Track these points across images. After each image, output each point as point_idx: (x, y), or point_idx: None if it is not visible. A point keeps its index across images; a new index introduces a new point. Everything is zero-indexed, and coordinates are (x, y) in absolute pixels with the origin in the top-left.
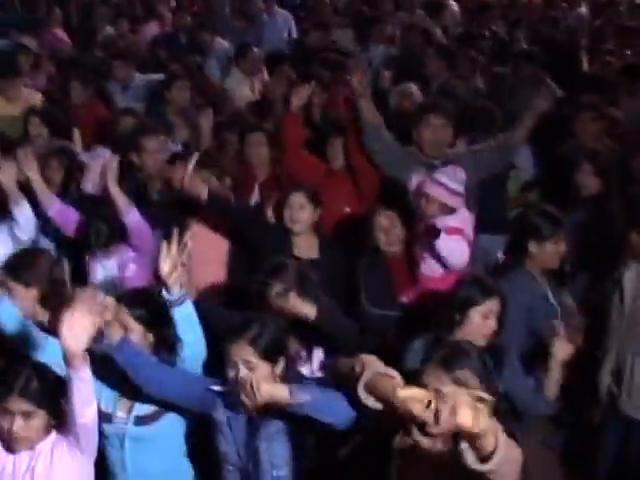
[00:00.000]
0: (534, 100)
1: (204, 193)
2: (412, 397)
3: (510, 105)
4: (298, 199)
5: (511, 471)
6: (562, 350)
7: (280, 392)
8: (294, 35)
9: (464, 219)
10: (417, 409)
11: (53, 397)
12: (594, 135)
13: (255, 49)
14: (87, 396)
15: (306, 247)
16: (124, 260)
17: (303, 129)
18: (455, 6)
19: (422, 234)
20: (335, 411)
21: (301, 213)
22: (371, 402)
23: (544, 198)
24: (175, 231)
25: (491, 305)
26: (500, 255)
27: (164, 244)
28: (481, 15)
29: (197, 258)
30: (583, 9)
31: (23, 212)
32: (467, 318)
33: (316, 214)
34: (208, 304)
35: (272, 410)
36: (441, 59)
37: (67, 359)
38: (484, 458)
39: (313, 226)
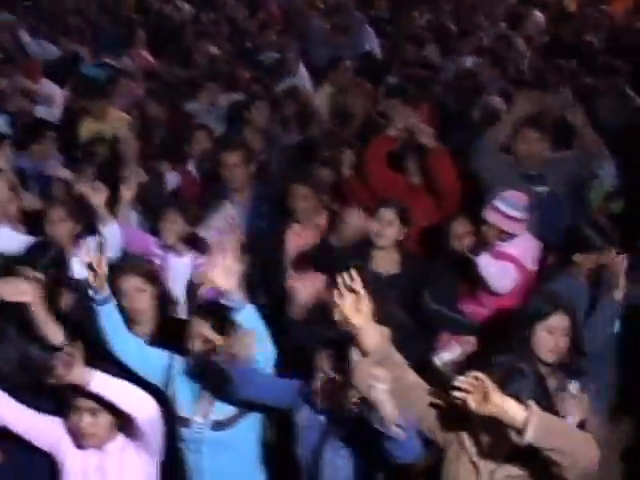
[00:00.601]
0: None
1: None
2: None
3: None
4: (388, 214)
5: (572, 450)
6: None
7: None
8: (375, 49)
9: (523, 247)
10: None
11: None
12: None
13: (347, 62)
14: (122, 398)
15: (387, 262)
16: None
17: (391, 148)
18: (540, 17)
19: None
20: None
21: (388, 229)
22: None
23: (627, 208)
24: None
25: (556, 320)
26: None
27: (216, 255)
28: (565, 24)
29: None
30: None
31: (111, 231)
32: (534, 333)
33: (402, 232)
34: None
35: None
36: (494, 67)
37: None
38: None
39: (396, 242)
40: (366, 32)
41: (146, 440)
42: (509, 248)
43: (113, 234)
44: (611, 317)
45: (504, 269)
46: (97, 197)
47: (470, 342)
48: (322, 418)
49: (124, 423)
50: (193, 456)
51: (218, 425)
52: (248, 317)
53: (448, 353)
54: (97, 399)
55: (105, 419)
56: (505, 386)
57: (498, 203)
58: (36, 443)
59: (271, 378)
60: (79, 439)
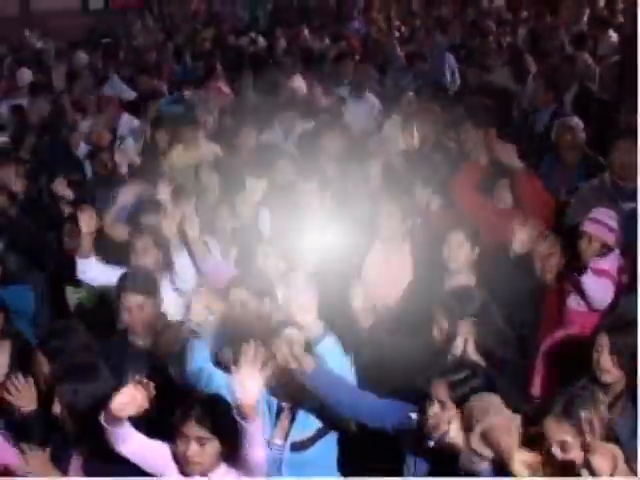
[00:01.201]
0: None
1: None
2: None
3: None
4: (457, 237)
5: None
6: None
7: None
8: (455, 74)
9: (613, 262)
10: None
11: (226, 429)
12: None
13: (410, 94)
14: (256, 442)
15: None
16: None
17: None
18: (614, 37)
19: (571, 269)
20: None
21: (458, 251)
22: (487, 452)
23: None
24: None
25: (598, 339)
26: None
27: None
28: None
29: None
30: None
31: (181, 259)
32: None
33: (474, 253)
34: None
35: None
36: (549, 90)
37: (240, 412)
38: None
39: (471, 265)
40: (446, 58)
41: (253, 475)
42: (604, 264)
43: (183, 263)
44: None
45: (604, 286)
46: (169, 225)
47: None
48: (430, 445)
49: (229, 453)
50: (274, 477)
51: (297, 446)
52: (328, 348)
53: None
54: (214, 427)
55: (212, 448)
56: (571, 414)
57: (599, 216)
58: (147, 470)
59: (365, 395)
60: (184, 466)
